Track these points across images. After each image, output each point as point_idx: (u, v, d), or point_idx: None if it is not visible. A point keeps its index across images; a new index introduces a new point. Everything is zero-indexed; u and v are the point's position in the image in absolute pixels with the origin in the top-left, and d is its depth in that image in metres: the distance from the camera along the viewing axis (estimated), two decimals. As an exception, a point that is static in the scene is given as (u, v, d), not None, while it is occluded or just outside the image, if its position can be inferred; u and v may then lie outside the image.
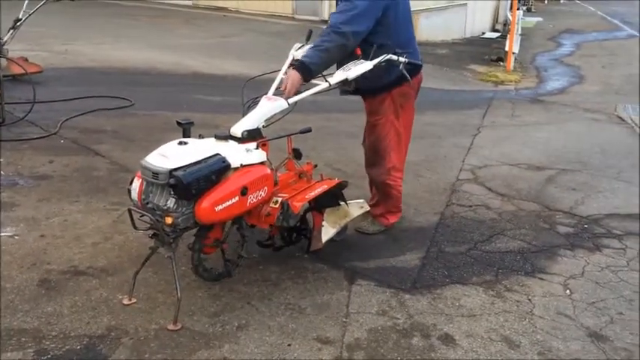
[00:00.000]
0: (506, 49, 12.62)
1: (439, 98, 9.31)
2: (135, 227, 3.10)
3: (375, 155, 4.16)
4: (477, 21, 16.96)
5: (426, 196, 5.00)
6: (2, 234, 3.87)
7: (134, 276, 3.25)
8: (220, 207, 3.01)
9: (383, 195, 4.25)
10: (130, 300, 3.23)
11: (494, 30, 17.91)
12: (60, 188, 4.64)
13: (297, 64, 3.57)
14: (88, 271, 3.51)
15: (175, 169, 2.91)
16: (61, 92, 7.19)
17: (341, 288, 3.50)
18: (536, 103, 9.52)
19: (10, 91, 6.41)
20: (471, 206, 4.85)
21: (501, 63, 12.77)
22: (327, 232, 3.68)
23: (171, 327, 3.01)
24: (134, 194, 3.08)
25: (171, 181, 2.89)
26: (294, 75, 3.52)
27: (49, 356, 2.78)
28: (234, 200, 3.06)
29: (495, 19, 18.38)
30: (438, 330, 3.16)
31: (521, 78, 11.74)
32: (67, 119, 6.22)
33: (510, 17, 13.71)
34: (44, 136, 5.75)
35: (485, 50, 14.30)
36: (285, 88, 3.52)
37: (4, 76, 6.20)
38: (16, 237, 3.86)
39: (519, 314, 3.34)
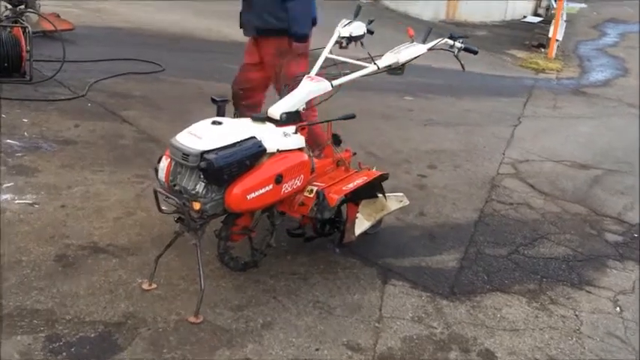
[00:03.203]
0: (550, 35, 12.13)
1: (477, 83, 8.95)
2: (160, 209, 2.89)
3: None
4: (518, 4, 16.41)
5: (464, 190, 4.73)
6: (21, 201, 3.70)
7: (156, 260, 3.04)
8: (252, 195, 2.79)
9: None
10: (150, 285, 3.03)
11: (536, 14, 17.33)
12: (84, 155, 4.45)
13: None
14: (108, 249, 3.32)
15: (207, 152, 2.69)
16: (91, 52, 6.99)
17: (373, 287, 3.27)
18: (578, 94, 9.13)
19: (40, 48, 6.20)
20: (512, 204, 4.58)
21: (542, 49, 12.29)
22: (361, 224, 3.42)
23: (192, 319, 2.81)
24: (161, 174, 2.86)
25: (202, 164, 2.67)
26: None
27: (60, 343, 2.60)
28: (267, 188, 2.83)
29: (538, 3, 17.78)
30: (479, 344, 2.92)
31: (563, 67, 11.28)
32: (95, 81, 6.01)
33: (554, 2, 13.20)
34: (71, 98, 5.55)
35: (525, 35, 13.79)
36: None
37: (33, 32, 6.00)
38: (35, 205, 3.68)
39: (566, 332, 3.09)
